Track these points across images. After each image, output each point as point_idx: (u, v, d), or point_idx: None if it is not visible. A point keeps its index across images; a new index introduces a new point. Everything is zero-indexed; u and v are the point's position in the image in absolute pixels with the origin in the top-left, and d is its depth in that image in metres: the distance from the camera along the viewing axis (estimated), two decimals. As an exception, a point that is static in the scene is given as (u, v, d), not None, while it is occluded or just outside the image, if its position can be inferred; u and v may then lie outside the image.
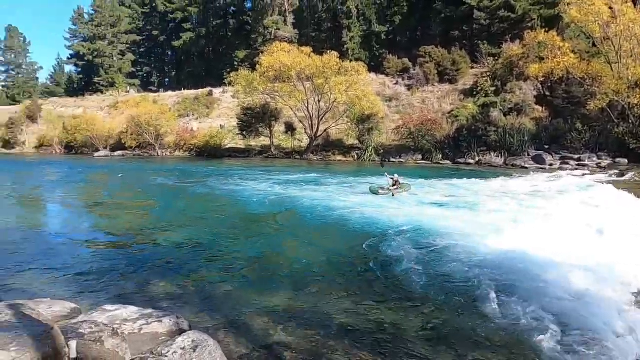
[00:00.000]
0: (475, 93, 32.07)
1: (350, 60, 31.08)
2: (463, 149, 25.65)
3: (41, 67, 73.47)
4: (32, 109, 46.82)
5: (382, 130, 29.64)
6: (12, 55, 64.63)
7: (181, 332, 4.58)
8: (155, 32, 62.21)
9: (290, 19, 48.64)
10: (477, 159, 24.78)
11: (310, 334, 4.86)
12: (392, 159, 27.22)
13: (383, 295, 6.02)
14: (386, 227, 9.45)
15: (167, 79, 66.90)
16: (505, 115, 26.99)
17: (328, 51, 29.43)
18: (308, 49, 29.17)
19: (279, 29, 46.81)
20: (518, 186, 15.07)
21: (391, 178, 13.64)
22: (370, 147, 28.14)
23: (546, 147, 24.16)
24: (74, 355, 3.30)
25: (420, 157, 26.93)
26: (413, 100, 35.42)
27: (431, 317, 5.33)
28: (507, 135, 24.32)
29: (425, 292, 6.01)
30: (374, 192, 13.36)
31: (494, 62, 32.80)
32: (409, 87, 37.15)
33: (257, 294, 6.11)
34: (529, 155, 23.41)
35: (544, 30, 27.58)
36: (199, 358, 3.92)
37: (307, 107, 29.88)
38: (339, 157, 29.41)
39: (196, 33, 55.92)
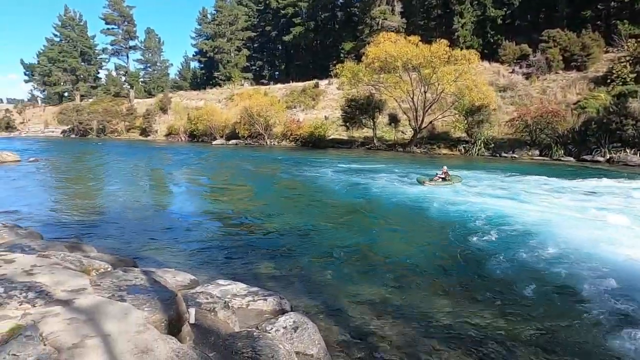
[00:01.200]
0: (609, 81, 28.02)
1: (461, 49, 29.41)
2: (590, 144, 22.67)
3: (171, 64, 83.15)
4: (163, 101, 53.13)
5: (493, 122, 27.62)
6: (150, 54, 73.70)
7: (283, 312, 4.86)
8: (267, 28, 65.73)
9: (398, 8, 47.50)
10: (607, 156, 21.72)
11: (407, 330, 4.80)
12: (503, 154, 25.25)
13: (487, 297, 5.67)
14: (503, 228, 8.83)
15: (277, 72, 70.37)
16: (647, 106, 23.16)
17: (437, 40, 28.14)
18: (416, 38, 28.22)
19: (386, 19, 46.04)
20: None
21: (442, 170, 14.42)
22: (480, 141, 26.38)
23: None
24: (192, 320, 3.71)
25: (537, 152, 24.52)
26: (531, 90, 32.25)
27: (538, 323, 4.88)
28: (650, 130, 20.88)
29: (534, 297, 5.51)
30: (420, 182, 14.24)
31: (635, 45, 28.15)
32: (527, 76, 33.88)
33: (355, 282, 6.20)
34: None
35: None
36: (299, 338, 4.12)
37: (413, 98, 29.05)
38: (445, 151, 28.14)
39: (305, 27, 57.73)
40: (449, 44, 27.52)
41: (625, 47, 29.56)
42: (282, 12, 60.24)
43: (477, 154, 26.00)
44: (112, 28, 69.52)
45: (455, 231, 8.70)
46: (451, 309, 5.32)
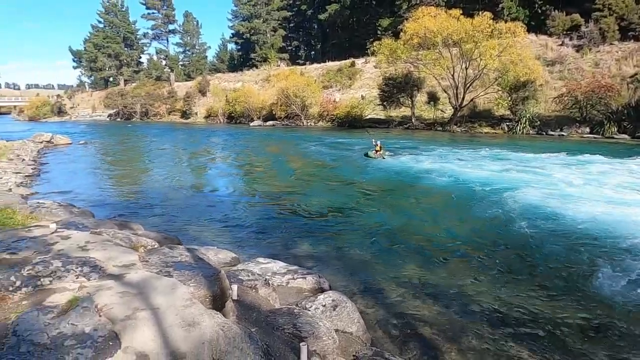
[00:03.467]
0: (672, 51, 25.86)
1: (506, 21, 27.89)
2: (648, 120, 21.13)
3: (209, 47, 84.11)
4: (202, 84, 54.14)
5: (539, 99, 26.25)
6: (188, 38, 74.94)
7: (322, 290, 4.91)
8: (303, 7, 64.98)
9: (438, -20, 45.56)
10: (667, 133, 20.21)
11: (446, 311, 4.74)
12: (550, 132, 24.05)
13: (527, 278, 5.52)
14: (553, 211, 8.46)
15: (312, 52, 69.76)
16: None
17: (479, 12, 26.82)
18: (457, 12, 27.01)
19: (425, -8, 44.31)
20: None
21: (376, 144, 16.00)
22: (525, 118, 25.16)
23: None
24: (235, 297, 3.82)
25: (587, 130, 23.17)
26: (582, 64, 30.28)
27: (587, 311, 4.67)
28: None
29: (585, 285, 5.27)
30: (368, 155, 16.01)
31: None
32: (578, 48, 31.80)
33: (393, 263, 6.17)
34: None
35: None
36: (338, 316, 4.17)
37: (453, 75, 28.03)
38: (486, 129, 27.13)
39: (341, 4, 56.54)
40: (492, 16, 26.20)
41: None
42: (318, -11, 59.29)
43: (522, 133, 24.88)
44: (152, 13, 71.19)
45: (499, 212, 8.43)
46: (493, 290, 5.20)
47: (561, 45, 33.18)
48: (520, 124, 25.26)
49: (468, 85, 27.80)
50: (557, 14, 34.94)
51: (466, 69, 27.42)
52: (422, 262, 6.15)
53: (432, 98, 31.43)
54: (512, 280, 5.49)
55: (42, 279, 3.21)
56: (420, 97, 32.37)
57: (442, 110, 31.74)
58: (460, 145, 19.76)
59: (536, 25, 35.32)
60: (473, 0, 42.80)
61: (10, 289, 3.07)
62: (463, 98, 28.30)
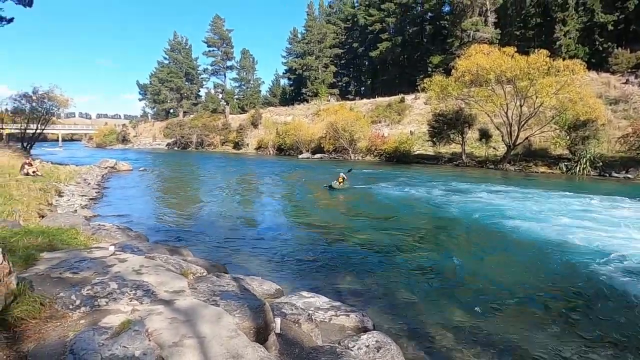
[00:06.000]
0: None
1: (563, 58, 27.08)
2: None
3: (263, 82, 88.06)
4: (254, 116, 56.44)
5: (601, 138, 24.84)
6: (244, 73, 79.03)
7: (365, 329, 4.77)
8: (355, 45, 66.83)
9: (491, 18, 45.43)
10: None
11: (499, 362, 4.41)
12: (614, 174, 22.52)
13: (593, 337, 5.02)
14: (620, 260, 7.84)
15: (362, 88, 71.00)
16: None
17: (535, 50, 26.25)
18: (511, 49, 26.62)
19: (477, 31, 44.23)
20: None
21: (344, 177, 18.06)
22: (585, 159, 23.78)
23: None
24: (278, 330, 3.80)
25: (656, 173, 21.49)
26: (649, 103, 28.55)
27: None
28: None
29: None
30: (333, 187, 17.64)
31: None
32: (645, 86, 30.10)
33: (442, 306, 5.89)
34: None
35: None
36: (382, 359, 4.01)
37: (506, 113, 27.33)
38: (542, 169, 25.90)
39: (392, 42, 57.62)
40: (549, 54, 25.55)
41: None
42: (370, 28, 60.85)
43: (582, 173, 23.50)
44: (213, 50, 75.90)
45: (565, 260, 7.90)
46: (550, 344, 4.80)
47: (625, 83, 31.63)
48: (580, 164, 23.89)
49: (523, 123, 26.94)
50: (620, 52, 33.52)
51: (521, 106, 26.67)
52: (474, 308, 5.80)
53: (484, 135, 30.69)
54: (576, 337, 5.03)
55: (99, 300, 3.38)
56: (472, 134, 31.70)
57: (494, 148, 30.84)
58: (515, 184, 18.94)
59: (597, 63, 34.00)
60: (528, 38, 42.22)
61: (71, 307, 3.24)
62: (517, 136, 27.40)
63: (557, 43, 37.92)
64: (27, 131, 36.77)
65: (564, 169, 24.84)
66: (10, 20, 17.08)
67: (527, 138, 27.49)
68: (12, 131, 38.10)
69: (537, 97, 25.16)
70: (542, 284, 6.77)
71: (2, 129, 37.70)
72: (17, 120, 36.72)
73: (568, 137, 25.02)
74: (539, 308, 5.84)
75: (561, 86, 24.25)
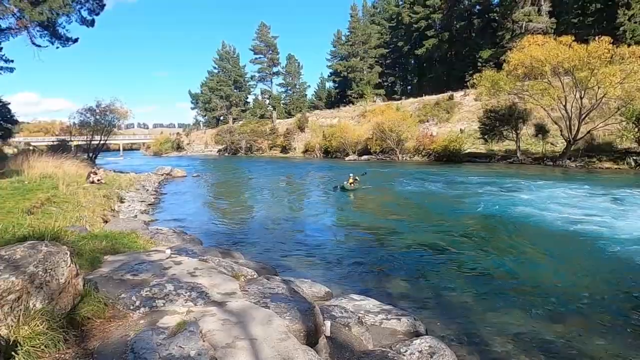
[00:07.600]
0: None
1: (629, 45, 25.09)
2: None
3: (309, 86, 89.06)
4: (301, 120, 57.15)
5: (676, 130, 22.75)
6: (290, 78, 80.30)
7: (417, 334, 4.64)
8: (400, 44, 65.89)
9: (545, 7, 43.10)
10: None
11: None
12: (692, 168, 20.52)
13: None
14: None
15: (409, 87, 69.80)
16: None
17: (595, 37, 24.54)
18: (568, 38, 25.06)
19: (530, 21, 42.11)
20: None
21: (355, 178, 18.30)
22: (657, 152, 21.90)
23: None
24: (328, 333, 3.79)
25: None
26: None
27: None
28: None
29: None
30: (344, 188, 17.92)
31: None
32: None
33: (497, 310, 5.62)
34: None
35: None
36: (435, 365, 3.88)
37: (565, 106, 25.73)
38: (607, 164, 24.12)
39: (439, 38, 56.23)
40: (611, 40, 23.78)
41: None
42: (415, 26, 59.76)
43: (654, 168, 21.65)
44: (259, 57, 77.80)
45: (625, 262, 7.30)
46: (618, 352, 4.42)
47: (703, 68, 28.70)
48: (652, 158, 22.03)
49: (584, 116, 25.25)
50: (695, 34, 30.60)
51: (581, 98, 25.01)
52: (532, 314, 5.48)
53: (540, 130, 29.09)
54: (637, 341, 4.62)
55: (157, 301, 3.53)
56: (526, 130, 30.16)
57: (552, 144, 29.16)
58: (577, 181, 17.77)
59: (668, 48, 31.20)
60: (587, 25, 39.62)
61: (131, 307, 3.42)
62: (578, 130, 25.72)
63: (621, 28, 35.26)
64: (92, 142, 39.58)
65: (633, 163, 22.99)
66: (76, 40, 18.37)
67: (589, 132, 25.75)
68: (79, 143, 41.10)
69: (599, 87, 23.51)
70: (611, 291, 6.27)
71: (71, 141, 40.80)
72: (83, 132, 39.58)
73: (637, 129, 23.16)
74: (607, 315, 5.40)
75: (627, 75, 22.49)
